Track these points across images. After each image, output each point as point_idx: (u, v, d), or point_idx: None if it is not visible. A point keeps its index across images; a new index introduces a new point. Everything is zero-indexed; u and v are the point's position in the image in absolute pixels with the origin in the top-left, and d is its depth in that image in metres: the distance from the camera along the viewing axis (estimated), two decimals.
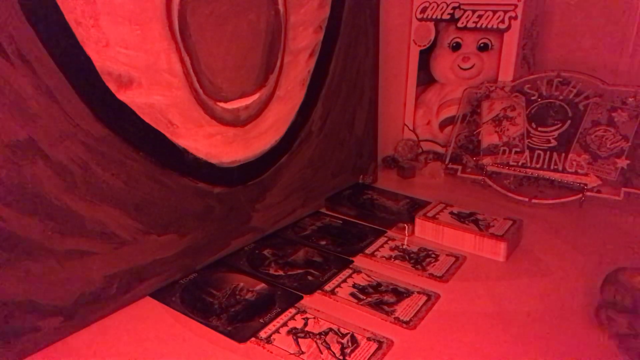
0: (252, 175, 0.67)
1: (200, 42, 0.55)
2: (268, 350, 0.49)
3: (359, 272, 0.62)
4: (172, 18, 0.51)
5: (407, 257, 0.66)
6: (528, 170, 0.84)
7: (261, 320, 0.53)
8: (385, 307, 0.55)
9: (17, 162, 0.43)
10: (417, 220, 0.71)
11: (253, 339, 0.50)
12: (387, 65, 0.93)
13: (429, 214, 0.72)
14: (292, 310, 0.54)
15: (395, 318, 0.53)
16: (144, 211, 0.55)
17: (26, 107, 0.43)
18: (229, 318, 0.54)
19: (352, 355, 0.48)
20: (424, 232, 0.71)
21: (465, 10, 0.89)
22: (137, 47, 0.49)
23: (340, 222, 0.77)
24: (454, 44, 0.92)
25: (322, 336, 0.50)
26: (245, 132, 0.64)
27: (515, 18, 0.85)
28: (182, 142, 0.57)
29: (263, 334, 0.51)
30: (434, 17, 0.92)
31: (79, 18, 0.45)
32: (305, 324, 0.52)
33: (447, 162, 0.93)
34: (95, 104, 0.48)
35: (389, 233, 0.73)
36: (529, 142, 0.85)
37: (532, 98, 0.86)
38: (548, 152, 0.83)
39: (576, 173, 0.80)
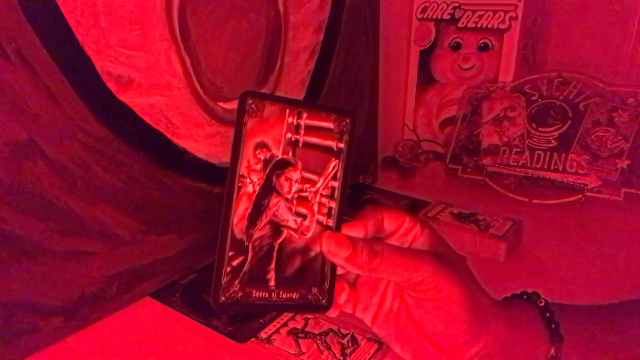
0: None
1: (200, 42, 0.55)
2: (268, 351, 0.49)
3: None
4: (172, 18, 0.51)
5: None
6: (528, 170, 0.84)
7: (261, 321, 0.53)
8: None
9: (17, 162, 0.43)
10: None
11: (253, 339, 0.50)
12: (387, 65, 0.93)
13: (429, 214, 0.72)
14: None
15: None
16: (144, 211, 0.55)
17: (26, 107, 0.43)
18: (229, 318, 0.54)
19: (353, 355, 0.48)
20: None
21: (465, 10, 0.89)
22: (137, 47, 0.49)
23: None
24: (454, 44, 0.91)
25: (322, 336, 0.50)
26: None
27: (516, 18, 0.85)
28: (182, 142, 0.57)
29: (263, 334, 0.51)
30: (434, 17, 0.92)
31: (79, 18, 0.45)
32: (306, 325, 0.52)
33: (447, 162, 0.93)
34: (95, 104, 0.48)
35: None
36: (529, 142, 0.85)
37: (533, 98, 0.86)
38: (548, 152, 0.83)
39: (576, 173, 0.80)
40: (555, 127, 0.84)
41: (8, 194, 0.43)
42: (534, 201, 0.81)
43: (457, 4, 0.89)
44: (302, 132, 0.33)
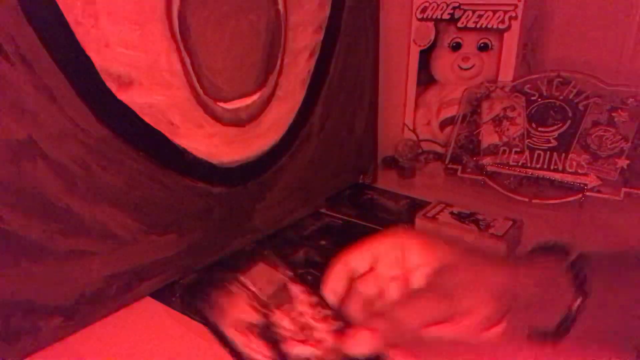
0: (252, 175, 0.67)
1: (201, 42, 0.55)
2: None
3: None
4: (172, 18, 0.51)
5: None
6: (528, 170, 0.84)
7: None
8: None
9: (17, 162, 0.43)
10: (417, 221, 0.71)
11: None
12: (387, 65, 0.93)
13: (429, 214, 0.72)
14: None
15: None
16: (144, 211, 0.55)
17: (26, 107, 0.43)
18: None
19: None
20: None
21: (465, 10, 0.89)
22: (137, 47, 0.49)
23: (340, 222, 0.77)
24: (454, 44, 0.91)
25: None
26: (246, 132, 0.64)
27: (515, 18, 0.85)
28: (182, 142, 0.57)
29: None
30: (434, 17, 0.92)
31: (79, 18, 0.45)
32: None
33: (447, 162, 0.93)
34: (95, 104, 0.48)
35: None
36: (529, 142, 0.85)
37: (532, 98, 0.86)
38: (548, 152, 0.83)
39: (576, 173, 0.80)
40: (555, 127, 0.84)
41: (8, 194, 0.43)
42: (534, 201, 0.81)
43: (457, 4, 0.89)
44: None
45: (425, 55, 0.95)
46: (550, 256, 0.40)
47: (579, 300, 0.38)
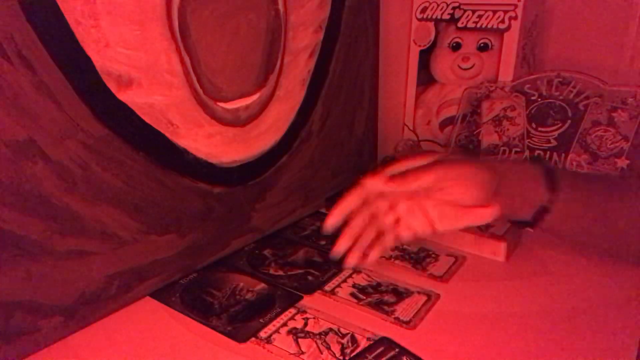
0: (252, 175, 0.67)
1: (201, 42, 0.55)
2: (268, 350, 0.49)
3: (359, 272, 0.62)
4: (172, 18, 0.51)
5: (407, 257, 0.66)
6: None
7: (261, 320, 0.53)
8: (385, 307, 0.55)
9: (17, 162, 0.43)
10: None
11: (253, 339, 0.50)
12: (387, 65, 0.93)
13: None
14: (292, 310, 0.54)
15: (395, 318, 0.53)
16: (144, 211, 0.55)
17: (26, 107, 0.43)
18: (229, 318, 0.54)
19: (353, 355, 0.48)
20: None
21: (465, 10, 0.89)
22: (137, 47, 0.49)
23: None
24: (454, 44, 0.91)
25: (322, 336, 0.50)
26: (246, 132, 0.64)
27: (515, 18, 0.85)
28: (182, 142, 0.57)
29: (263, 334, 0.51)
30: (434, 17, 0.92)
31: (79, 18, 0.45)
32: (305, 324, 0.52)
33: None
34: (95, 104, 0.48)
35: None
36: (529, 142, 0.85)
37: (532, 98, 0.86)
38: (548, 152, 0.83)
39: None
40: (555, 127, 0.84)
41: (8, 194, 0.43)
42: None
43: (456, 4, 0.89)
44: None
45: (425, 55, 0.95)
46: (530, 163, 0.51)
47: (550, 194, 0.49)
